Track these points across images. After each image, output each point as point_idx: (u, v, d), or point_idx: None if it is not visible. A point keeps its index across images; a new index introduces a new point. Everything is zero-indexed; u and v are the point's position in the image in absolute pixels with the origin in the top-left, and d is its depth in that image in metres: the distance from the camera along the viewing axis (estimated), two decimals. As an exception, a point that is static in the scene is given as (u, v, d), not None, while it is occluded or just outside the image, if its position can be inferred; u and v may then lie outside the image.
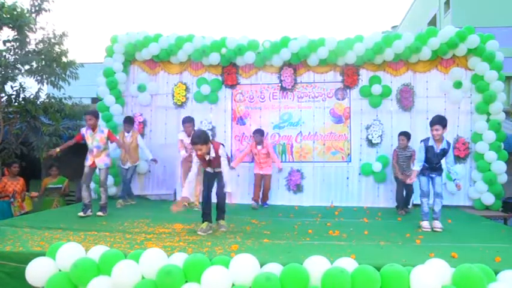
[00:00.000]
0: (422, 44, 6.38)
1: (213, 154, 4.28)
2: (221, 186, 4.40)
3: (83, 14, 74.98)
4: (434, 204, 4.69)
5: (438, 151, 4.62)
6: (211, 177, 4.51)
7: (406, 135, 5.90)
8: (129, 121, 6.39)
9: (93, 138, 5.15)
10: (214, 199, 4.51)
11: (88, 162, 5.20)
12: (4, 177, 6.28)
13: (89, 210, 5.20)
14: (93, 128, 5.17)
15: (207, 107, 7.04)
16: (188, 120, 6.04)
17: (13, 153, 6.62)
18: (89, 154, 5.20)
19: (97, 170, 5.32)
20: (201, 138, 4.13)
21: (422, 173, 4.75)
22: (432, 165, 4.67)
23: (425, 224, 4.72)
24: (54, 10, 7.09)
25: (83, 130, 5.25)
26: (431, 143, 4.64)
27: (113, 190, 6.83)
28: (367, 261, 2.96)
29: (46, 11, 6.85)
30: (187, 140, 5.79)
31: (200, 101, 7.05)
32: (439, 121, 4.58)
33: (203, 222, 4.35)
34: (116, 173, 6.76)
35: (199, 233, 4.22)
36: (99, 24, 70.76)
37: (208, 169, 4.47)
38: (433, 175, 4.71)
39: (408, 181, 4.89)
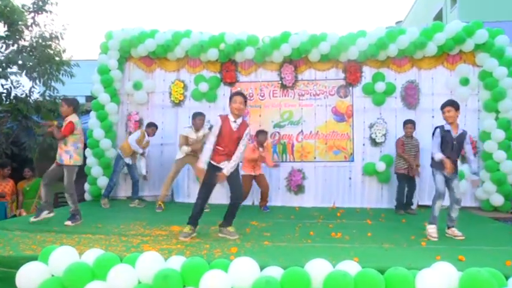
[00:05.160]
0: (427, 40, 6.22)
1: (239, 122, 4.16)
2: (239, 190, 4.18)
3: (77, 9, 74.99)
4: (452, 210, 4.30)
5: (454, 137, 4.23)
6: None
7: (413, 123, 5.86)
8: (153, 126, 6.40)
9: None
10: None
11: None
12: None
13: (44, 212, 4.72)
14: (64, 116, 4.68)
15: (205, 105, 6.87)
16: (200, 114, 5.90)
17: (3, 154, 6.51)
18: None
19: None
20: (244, 96, 4.21)
21: (438, 169, 4.27)
22: (447, 155, 4.21)
23: (432, 229, 4.23)
24: (55, 10, 6.99)
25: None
26: (447, 127, 4.26)
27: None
28: (370, 264, 2.94)
29: (47, 12, 6.78)
30: (194, 136, 5.76)
31: (198, 99, 6.89)
32: (450, 102, 4.28)
33: (188, 224, 4.14)
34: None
35: (180, 238, 4.04)
36: (93, 20, 70.85)
37: (222, 162, 4.12)
38: (450, 175, 4.24)
39: (442, 160, 4.15)
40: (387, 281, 2.61)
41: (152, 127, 6.31)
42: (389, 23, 32.95)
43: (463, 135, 4.30)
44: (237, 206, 4.23)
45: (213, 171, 4.11)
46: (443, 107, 4.33)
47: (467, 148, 4.33)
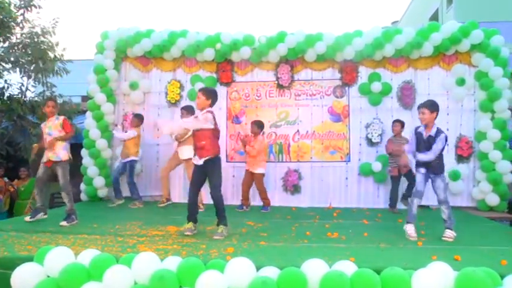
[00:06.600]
0: (423, 40, 6.21)
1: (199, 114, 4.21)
2: (214, 186, 4.19)
3: (72, 8, 74.44)
4: (441, 212, 4.29)
5: (425, 138, 4.21)
6: (200, 172, 4.29)
7: (399, 122, 5.94)
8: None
9: (47, 126, 4.72)
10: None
11: (43, 159, 4.67)
12: None
13: (40, 214, 4.80)
14: (50, 116, 4.74)
15: (201, 105, 6.84)
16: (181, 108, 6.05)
17: (-2, 154, 6.44)
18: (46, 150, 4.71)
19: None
20: (208, 91, 4.26)
21: (416, 168, 4.34)
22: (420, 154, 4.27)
23: (409, 228, 4.24)
24: (44, 5, 6.93)
25: (42, 124, 4.83)
26: (420, 129, 4.31)
27: (104, 192, 6.72)
28: (366, 264, 2.93)
29: (36, 7, 6.69)
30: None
31: (194, 99, 6.75)
32: (425, 104, 4.21)
33: (188, 222, 4.28)
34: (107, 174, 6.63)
35: (186, 233, 4.19)
36: (89, 20, 70.31)
37: (196, 159, 4.27)
38: (431, 175, 4.26)
39: (403, 168, 4.85)
40: (383, 281, 2.61)
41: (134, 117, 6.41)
42: (385, 23, 32.96)
43: (432, 137, 4.19)
44: (216, 206, 4.22)
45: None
46: (418, 107, 4.30)
47: (433, 147, 4.17)
